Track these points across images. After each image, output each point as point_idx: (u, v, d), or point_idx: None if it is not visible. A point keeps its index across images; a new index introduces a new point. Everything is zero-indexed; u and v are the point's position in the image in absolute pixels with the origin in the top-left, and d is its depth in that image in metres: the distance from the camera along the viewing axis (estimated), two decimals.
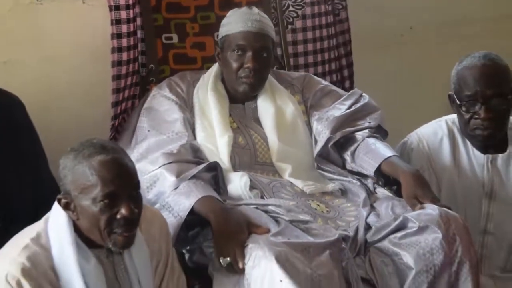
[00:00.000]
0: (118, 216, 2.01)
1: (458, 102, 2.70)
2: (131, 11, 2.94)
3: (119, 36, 2.92)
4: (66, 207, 2.05)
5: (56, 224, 2.07)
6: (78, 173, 2.01)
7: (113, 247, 2.06)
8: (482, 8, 4.07)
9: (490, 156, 2.74)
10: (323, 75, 3.35)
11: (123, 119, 3.04)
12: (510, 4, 4.19)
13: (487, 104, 2.62)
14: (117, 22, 2.91)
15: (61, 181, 2.08)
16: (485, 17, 4.06)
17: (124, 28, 2.93)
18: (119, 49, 2.93)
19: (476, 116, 2.65)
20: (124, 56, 2.95)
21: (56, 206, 2.08)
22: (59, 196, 2.06)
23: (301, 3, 3.33)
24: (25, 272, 1.97)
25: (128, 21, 2.94)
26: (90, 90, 3.04)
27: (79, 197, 2.02)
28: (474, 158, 2.76)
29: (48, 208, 2.15)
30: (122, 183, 2.01)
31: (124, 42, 2.94)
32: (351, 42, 3.51)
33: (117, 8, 2.90)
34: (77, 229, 2.06)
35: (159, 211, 2.38)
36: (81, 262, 2.03)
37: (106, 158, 2.01)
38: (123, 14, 2.92)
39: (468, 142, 2.78)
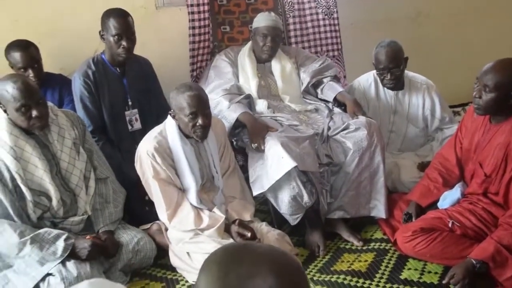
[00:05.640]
0: (197, 123, 2.07)
1: (375, 69, 2.72)
2: (202, 14, 2.90)
3: (193, 27, 2.89)
4: (173, 117, 2.13)
5: (169, 126, 2.17)
6: (178, 100, 2.07)
7: (196, 138, 2.14)
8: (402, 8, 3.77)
9: (395, 91, 2.74)
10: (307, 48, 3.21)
11: (200, 71, 3.00)
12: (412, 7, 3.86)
13: (390, 72, 2.63)
14: (192, 20, 2.88)
15: (170, 104, 2.15)
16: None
17: (196, 23, 2.89)
18: (193, 35, 2.90)
19: (387, 78, 2.66)
20: (196, 38, 2.90)
21: (169, 117, 2.16)
22: (170, 112, 2.13)
23: (292, 9, 3.16)
24: (156, 149, 2.11)
25: (199, 19, 2.90)
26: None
27: (178, 113, 2.09)
28: (388, 93, 2.76)
29: (163, 117, 2.22)
30: (199, 106, 2.05)
31: (196, 30, 2.89)
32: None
33: (192, 12, 2.88)
34: (179, 128, 2.15)
35: (221, 120, 2.42)
36: (182, 144, 2.14)
37: (191, 93, 2.04)
38: (196, 16, 2.89)
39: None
